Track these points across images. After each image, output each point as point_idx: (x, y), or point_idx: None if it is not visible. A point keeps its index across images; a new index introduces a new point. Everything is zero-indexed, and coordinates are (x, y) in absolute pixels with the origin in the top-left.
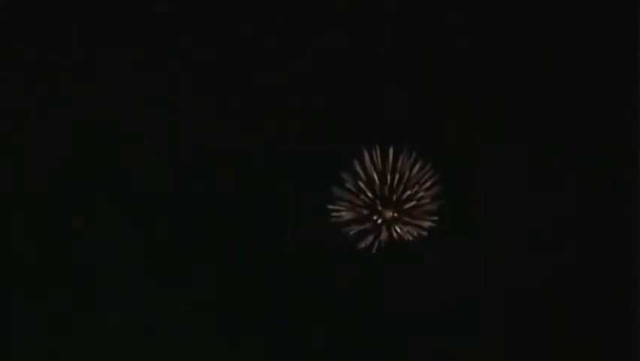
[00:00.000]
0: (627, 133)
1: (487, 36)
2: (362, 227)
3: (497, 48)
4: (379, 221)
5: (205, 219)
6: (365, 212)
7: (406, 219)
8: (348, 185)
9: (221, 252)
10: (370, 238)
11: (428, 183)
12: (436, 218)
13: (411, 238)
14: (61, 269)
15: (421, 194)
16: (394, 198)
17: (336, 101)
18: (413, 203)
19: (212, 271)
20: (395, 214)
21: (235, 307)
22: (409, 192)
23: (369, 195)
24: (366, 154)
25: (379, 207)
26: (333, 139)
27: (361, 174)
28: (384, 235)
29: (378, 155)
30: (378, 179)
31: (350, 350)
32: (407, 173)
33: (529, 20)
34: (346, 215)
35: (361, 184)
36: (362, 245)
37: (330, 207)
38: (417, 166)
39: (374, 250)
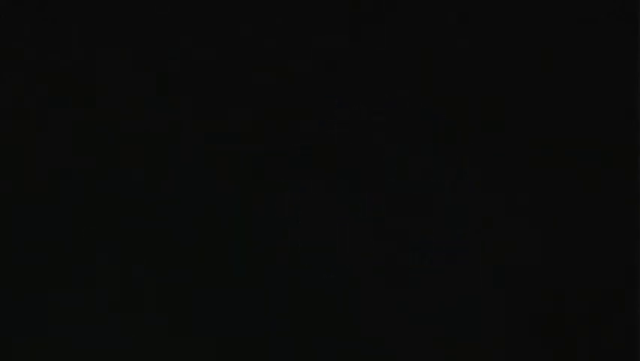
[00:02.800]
0: (627, 133)
1: (487, 36)
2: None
3: (497, 48)
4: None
5: (205, 219)
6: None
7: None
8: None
9: (221, 252)
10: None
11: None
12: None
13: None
14: (60, 269)
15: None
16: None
17: (336, 101)
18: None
19: (212, 271)
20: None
21: (234, 308)
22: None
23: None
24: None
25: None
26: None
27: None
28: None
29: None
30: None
31: (349, 350)
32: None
33: (529, 20)
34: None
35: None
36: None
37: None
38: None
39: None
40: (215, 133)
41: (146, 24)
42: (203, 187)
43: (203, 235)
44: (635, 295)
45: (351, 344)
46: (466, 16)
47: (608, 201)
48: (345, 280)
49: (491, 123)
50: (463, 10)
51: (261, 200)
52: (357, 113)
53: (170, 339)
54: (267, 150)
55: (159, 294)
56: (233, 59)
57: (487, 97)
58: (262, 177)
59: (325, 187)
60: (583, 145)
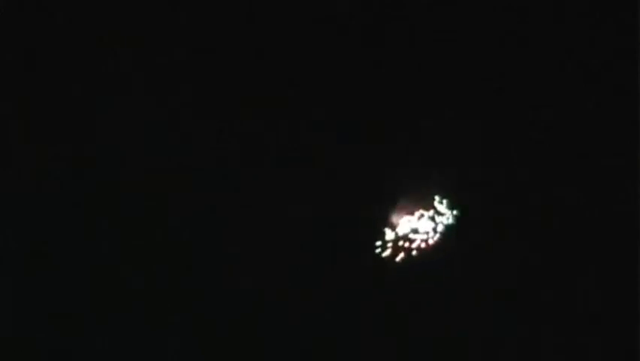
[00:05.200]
0: (627, 134)
1: (488, 36)
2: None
3: (497, 48)
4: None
5: (204, 219)
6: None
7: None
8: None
9: (218, 255)
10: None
11: None
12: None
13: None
14: (59, 270)
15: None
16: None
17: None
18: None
19: (210, 272)
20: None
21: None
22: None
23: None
24: None
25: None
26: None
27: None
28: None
29: None
30: None
31: (344, 350)
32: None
33: (529, 20)
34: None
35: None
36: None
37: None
38: None
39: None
40: (214, 134)
41: (146, 25)
42: (202, 189)
43: (199, 237)
44: (635, 297)
45: (346, 345)
46: (466, 16)
47: (608, 201)
48: (341, 281)
49: (490, 122)
50: (463, 10)
51: (260, 203)
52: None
53: (168, 340)
54: (265, 152)
55: (158, 295)
56: (233, 60)
57: (486, 95)
58: (262, 178)
59: None
60: (584, 145)
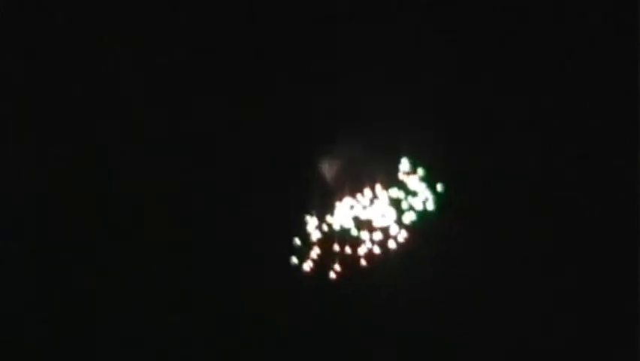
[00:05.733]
0: (627, 132)
1: (487, 35)
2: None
3: (497, 47)
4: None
5: (204, 219)
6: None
7: None
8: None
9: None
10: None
11: None
12: None
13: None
14: (59, 270)
15: None
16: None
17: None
18: None
19: (210, 272)
20: None
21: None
22: None
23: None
24: None
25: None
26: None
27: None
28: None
29: None
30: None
31: (344, 347)
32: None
33: (529, 20)
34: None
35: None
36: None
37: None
38: None
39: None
40: (214, 133)
41: (145, 23)
42: (203, 187)
43: (199, 232)
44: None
45: (345, 342)
46: (465, 15)
47: (608, 200)
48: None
49: (490, 122)
50: (462, 8)
51: (259, 199)
52: None
53: (169, 339)
54: (265, 150)
55: (160, 295)
56: (233, 58)
57: (486, 94)
58: (262, 176)
59: None
60: (584, 144)
